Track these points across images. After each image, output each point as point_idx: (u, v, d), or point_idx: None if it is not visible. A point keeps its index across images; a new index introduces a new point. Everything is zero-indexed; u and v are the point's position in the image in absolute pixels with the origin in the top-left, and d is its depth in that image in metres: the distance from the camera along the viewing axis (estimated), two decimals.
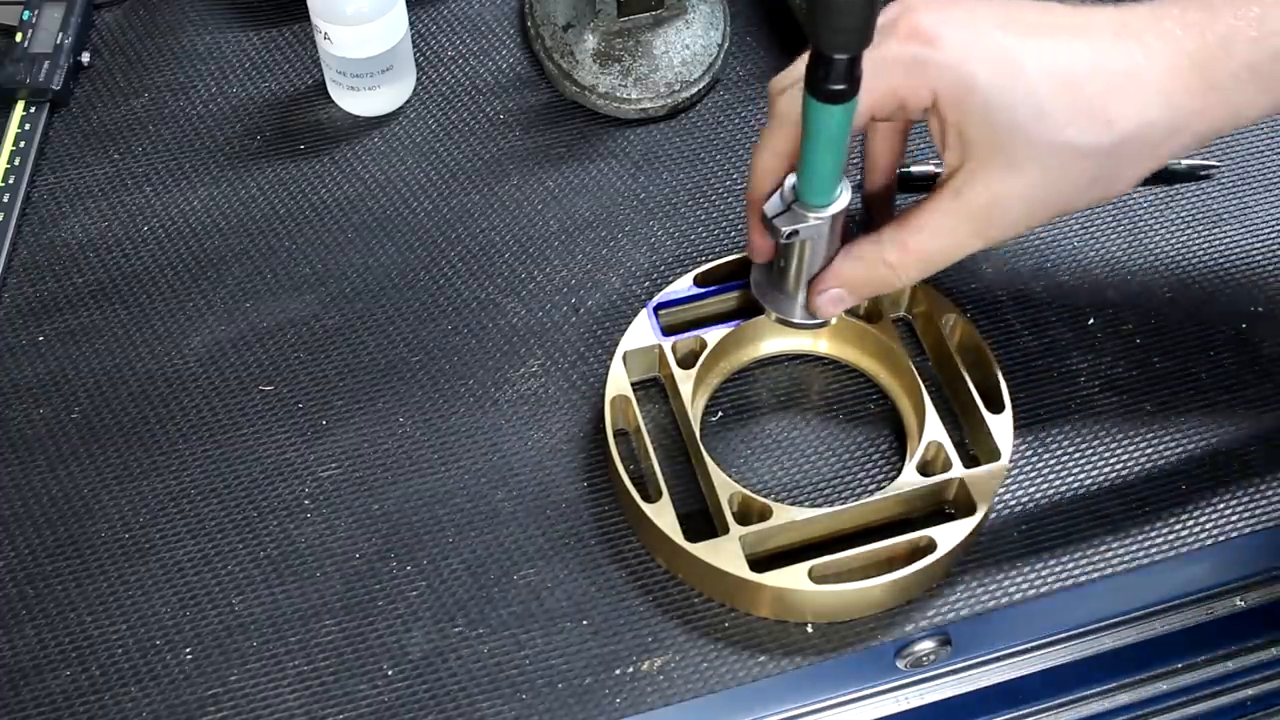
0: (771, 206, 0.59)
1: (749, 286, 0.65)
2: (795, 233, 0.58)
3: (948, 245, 0.58)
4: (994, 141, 0.55)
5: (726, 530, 0.61)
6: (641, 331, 0.68)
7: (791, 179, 0.58)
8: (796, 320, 0.63)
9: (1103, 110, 0.54)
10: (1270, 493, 0.65)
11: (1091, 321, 0.71)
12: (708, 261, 0.71)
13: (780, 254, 0.61)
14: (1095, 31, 0.56)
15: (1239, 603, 0.61)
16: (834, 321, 0.64)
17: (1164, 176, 0.76)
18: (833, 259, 0.60)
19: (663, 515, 0.62)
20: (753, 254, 0.64)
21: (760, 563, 0.61)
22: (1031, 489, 0.65)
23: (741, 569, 0.60)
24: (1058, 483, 0.66)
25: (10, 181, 0.76)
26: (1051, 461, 0.66)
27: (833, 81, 0.52)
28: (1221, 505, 0.65)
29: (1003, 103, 0.54)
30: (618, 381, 0.67)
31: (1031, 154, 0.55)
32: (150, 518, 0.65)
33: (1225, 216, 0.75)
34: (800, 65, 0.54)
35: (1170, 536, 0.64)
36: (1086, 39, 0.55)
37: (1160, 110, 0.55)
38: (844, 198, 0.58)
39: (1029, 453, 0.66)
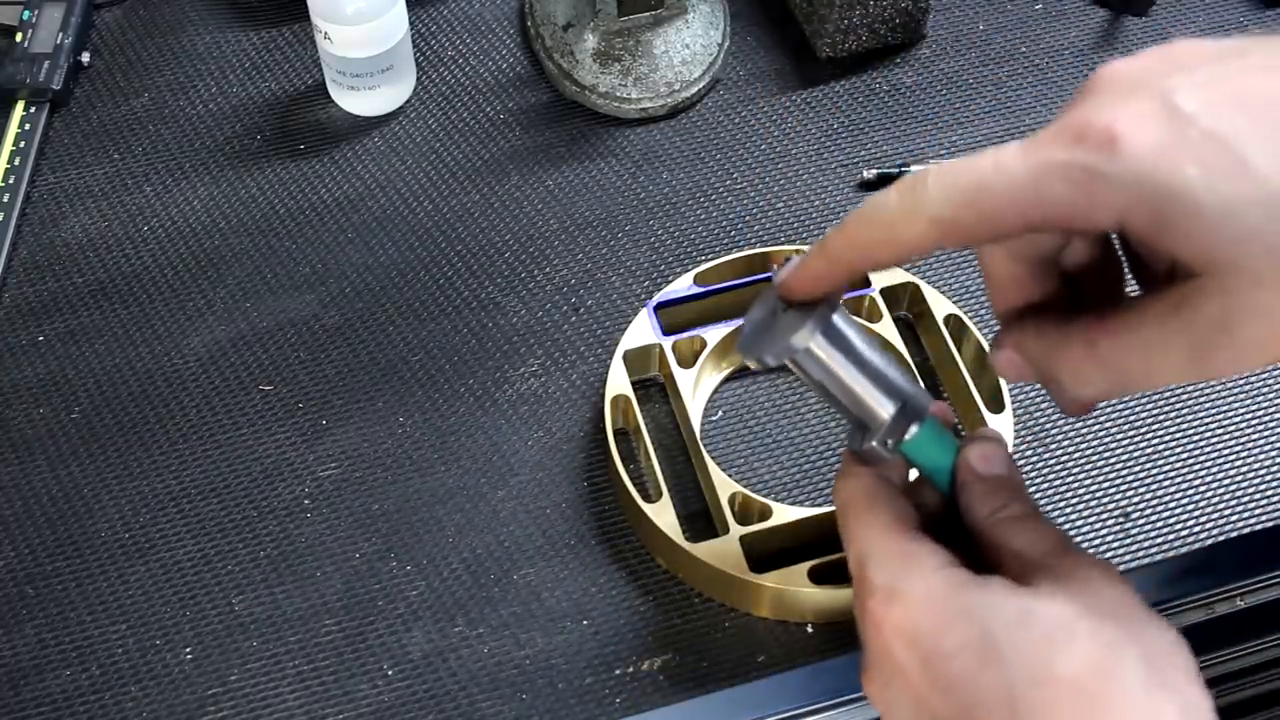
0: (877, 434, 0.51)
1: (749, 285, 0.65)
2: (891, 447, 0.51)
3: (1151, 367, 0.44)
4: (1219, 256, 0.41)
5: (726, 530, 0.61)
6: (641, 331, 0.68)
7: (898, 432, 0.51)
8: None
9: None
10: (1271, 492, 0.65)
11: None
12: (708, 261, 0.71)
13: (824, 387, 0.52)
14: None
15: (1239, 602, 0.61)
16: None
17: None
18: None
19: (663, 515, 0.62)
20: (787, 288, 0.51)
21: (760, 563, 0.61)
22: (1032, 489, 0.65)
23: (741, 569, 0.60)
24: (1058, 482, 0.66)
25: (10, 181, 0.76)
26: (1051, 461, 0.66)
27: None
28: (1222, 505, 0.65)
29: (1225, 209, 0.41)
30: (618, 381, 0.67)
31: (1275, 266, 0.41)
32: (150, 518, 0.65)
33: None
34: None
35: (1170, 536, 0.64)
36: None
37: None
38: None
39: (1029, 453, 0.66)
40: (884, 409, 0.51)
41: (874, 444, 0.51)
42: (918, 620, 0.46)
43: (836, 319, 0.50)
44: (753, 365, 0.55)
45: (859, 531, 0.50)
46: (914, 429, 0.51)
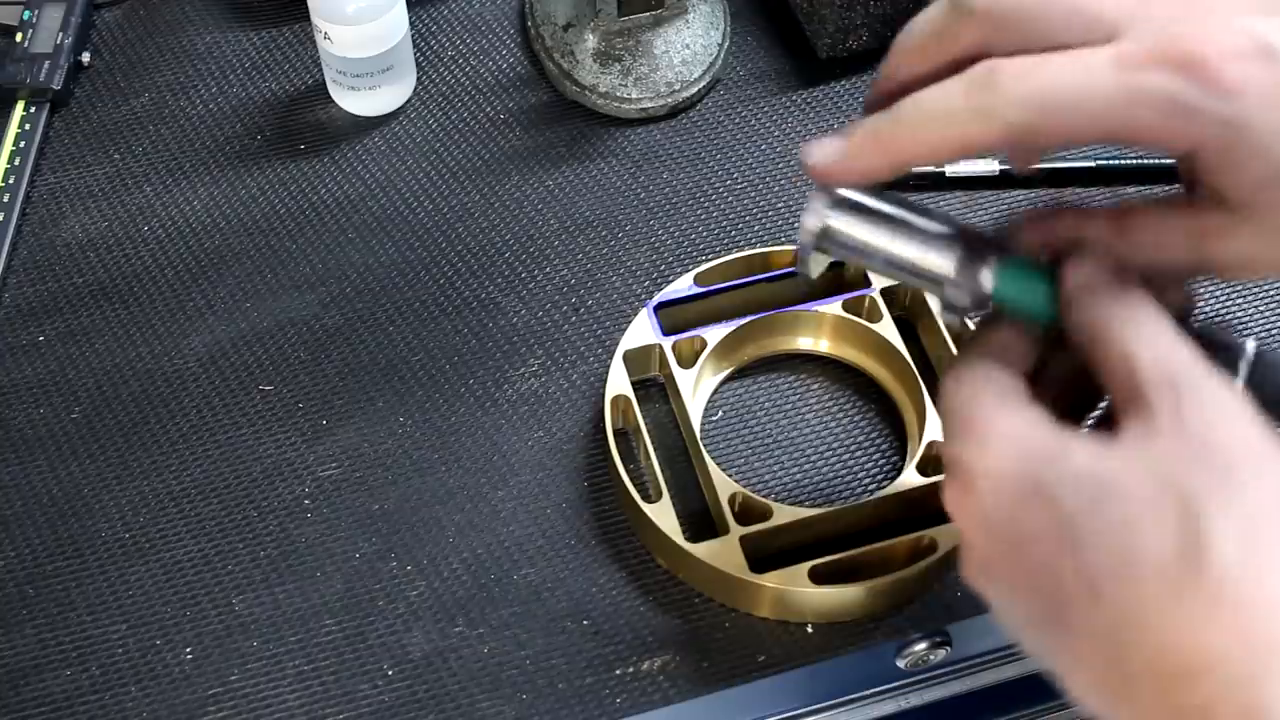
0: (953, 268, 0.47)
1: (749, 285, 0.65)
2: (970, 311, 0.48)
3: (1161, 256, 0.46)
4: (1266, 208, 0.43)
5: (726, 530, 0.61)
6: (641, 331, 0.68)
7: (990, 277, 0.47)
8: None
9: None
10: None
11: None
12: (708, 261, 0.71)
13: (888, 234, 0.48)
14: None
15: None
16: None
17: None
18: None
19: (663, 515, 0.62)
20: (878, 87, 0.48)
21: (760, 563, 0.61)
22: None
23: (741, 569, 0.60)
24: None
25: (10, 181, 0.76)
26: None
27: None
28: None
29: None
30: (618, 381, 0.67)
31: None
32: (150, 518, 0.65)
33: None
34: None
35: None
36: None
37: None
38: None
39: None
40: (945, 264, 0.46)
41: (950, 306, 0.46)
42: (988, 508, 0.42)
43: (847, 192, 0.47)
44: (812, 275, 0.51)
45: (942, 405, 0.46)
46: (987, 273, 0.46)
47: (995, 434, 0.43)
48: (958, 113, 0.44)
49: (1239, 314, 0.71)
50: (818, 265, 0.50)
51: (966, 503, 0.43)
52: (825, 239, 0.48)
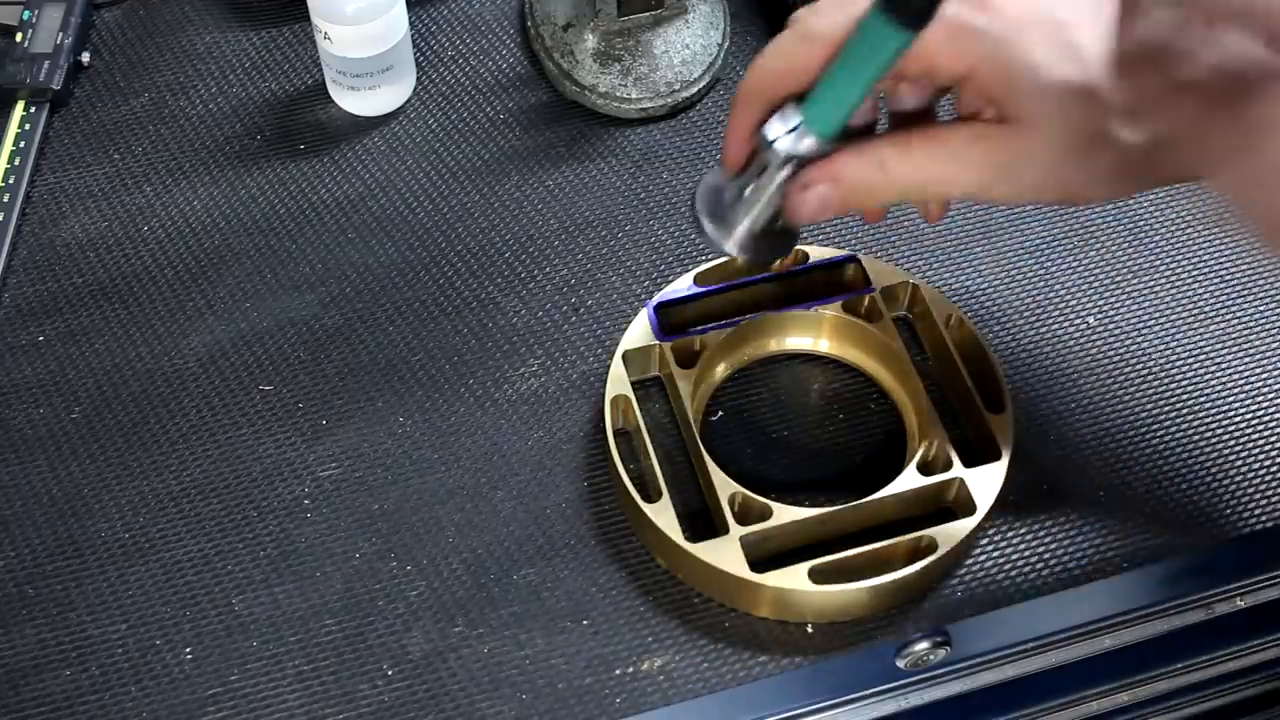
0: (774, 127, 0.53)
1: (749, 285, 0.65)
2: (792, 159, 0.53)
3: (941, 179, 0.54)
4: (1031, 120, 0.51)
5: (726, 530, 0.61)
6: (641, 331, 0.68)
7: (792, 106, 0.53)
8: (732, 251, 0.57)
9: (1152, 111, 0.49)
10: (1271, 493, 0.65)
11: (1092, 321, 0.71)
12: (708, 261, 0.71)
13: (750, 177, 0.55)
14: (1161, 9, 0.49)
15: (1239, 602, 0.61)
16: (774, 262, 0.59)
17: None
18: (776, 206, 0.56)
19: (663, 515, 0.62)
20: (725, 156, 0.57)
21: (760, 563, 0.61)
22: (1031, 489, 0.65)
23: (741, 569, 0.60)
24: (1057, 483, 0.66)
25: (10, 181, 0.76)
26: (1051, 462, 0.66)
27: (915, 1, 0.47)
28: (1222, 505, 0.65)
29: (1051, 86, 0.50)
30: (618, 381, 0.67)
31: (1068, 140, 0.51)
32: (150, 518, 0.65)
33: (1225, 216, 0.75)
34: None
35: (1170, 536, 0.64)
36: (1156, 18, 0.49)
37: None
38: (836, 141, 0.53)
39: (1029, 453, 0.66)
40: (785, 125, 0.53)
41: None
42: None
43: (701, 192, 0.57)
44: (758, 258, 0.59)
45: None
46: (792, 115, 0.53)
47: None
48: (785, 44, 0.53)
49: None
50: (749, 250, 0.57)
51: None
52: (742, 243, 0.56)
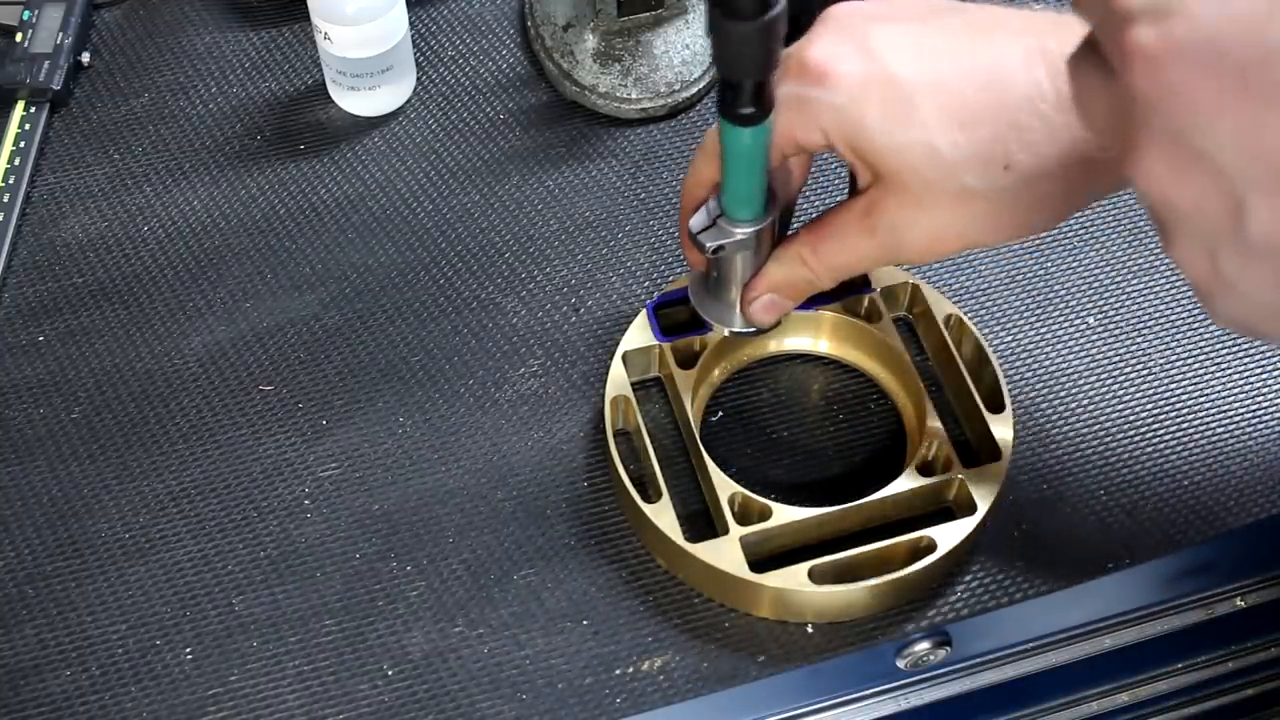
0: (697, 222, 0.58)
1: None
2: (721, 248, 0.57)
3: (855, 259, 0.57)
4: (894, 179, 0.53)
5: (726, 530, 0.61)
6: (641, 331, 0.68)
7: (713, 199, 0.58)
8: (737, 329, 0.62)
9: (1002, 155, 0.51)
10: (1270, 492, 0.65)
11: (1091, 321, 0.71)
12: None
13: (712, 267, 0.60)
14: (1004, 58, 0.51)
15: (1239, 602, 0.61)
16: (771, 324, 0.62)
17: None
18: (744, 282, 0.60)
19: (663, 515, 0.62)
20: (689, 264, 0.63)
21: (760, 563, 0.61)
22: (1031, 489, 0.65)
23: (741, 569, 0.60)
24: (1057, 483, 0.66)
25: (10, 181, 0.76)
26: (1051, 462, 0.66)
27: (741, 105, 0.50)
28: (1222, 505, 0.65)
29: (894, 146, 0.52)
30: (618, 381, 0.67)
31: (930, 193, 0.53)
32: (150, 518, 0.65)
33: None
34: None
35: (1170, 536, 0.64)
36: (989, 67, 0.51)
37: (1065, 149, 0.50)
38: (769, 214, 0.57)
39: (1029, 453, 0.66)
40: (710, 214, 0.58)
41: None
42: (1210, 27, 0.36)
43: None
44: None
45: None
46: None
47: None
48: (707, 141, 0.58)
49: None
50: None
51: (1176, 31, 0.36)
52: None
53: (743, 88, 0.50)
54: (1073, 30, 0.46)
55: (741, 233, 0.57)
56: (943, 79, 0.52)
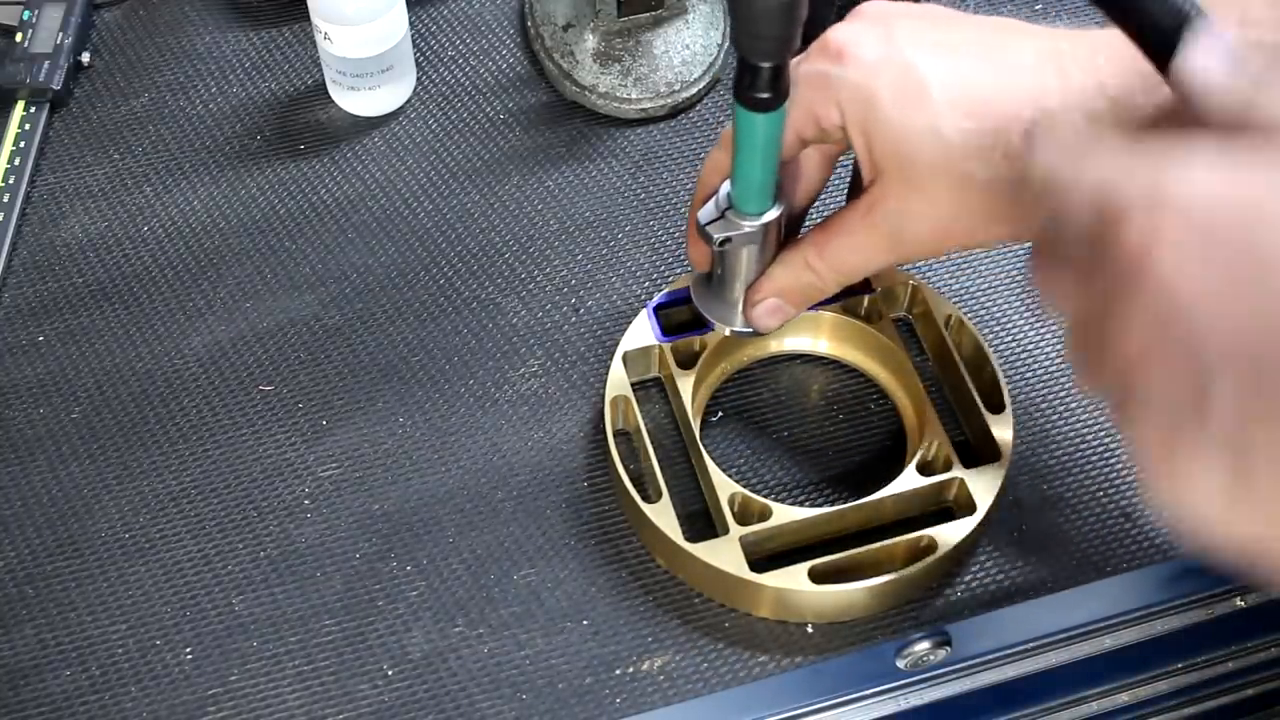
0: (705, 214, 0.57)
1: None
2: (728, 240, 0.57)
3: (861, 259, 0.57)
4: (898, 164, 0.53)
5: (726, 530, 0.61)
6: (641, 332, 0.68)
7: (725, 187, 0.57)
8: (739, 328, 0.61)
9: (1004, 145, 0.51)
10: None
11: None
12: None
13: (716, 262, 0.60)
14: (1017, 56, 0.53)
15: (1239, 603, 0.61)
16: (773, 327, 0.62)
17: None
18: (750, 280, 0.60)
19: (663, 515, 0.62)
20: (692, 263, 0.62)
21: (760, 563, 0.61)
22: (1031, 489, 0.65)
23: (741, 569, 0.60)
24: (1057, 483, 0.66)
25: (10, 181, 0.76)
26: (1051, 462, 0.66)
27: (758, 89, 0.50)
28: None
29: (902, 126, 0.52)
30: (618, 381, 0.67)
31: (932, 179, 0.53)
32: (150, 518, 0.65)
33: None
34: None
35: (1170, 536, 0.64)
36: (1002, 62, 0.53)
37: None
38: (777, 208, 0.57)
39: (1029, 453, 0.66)
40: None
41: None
42: (1207, 219, 0.37)
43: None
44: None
45: (1064, 160, 0.42)
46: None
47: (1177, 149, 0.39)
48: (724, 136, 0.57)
49: None
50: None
51: (1166, 222, 0.37)
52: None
53: (760, 71, 0.50)
54: (1089, 40, 0.52)
55: (749, 226, 0.57)
56: (957, 71, 0.53)
